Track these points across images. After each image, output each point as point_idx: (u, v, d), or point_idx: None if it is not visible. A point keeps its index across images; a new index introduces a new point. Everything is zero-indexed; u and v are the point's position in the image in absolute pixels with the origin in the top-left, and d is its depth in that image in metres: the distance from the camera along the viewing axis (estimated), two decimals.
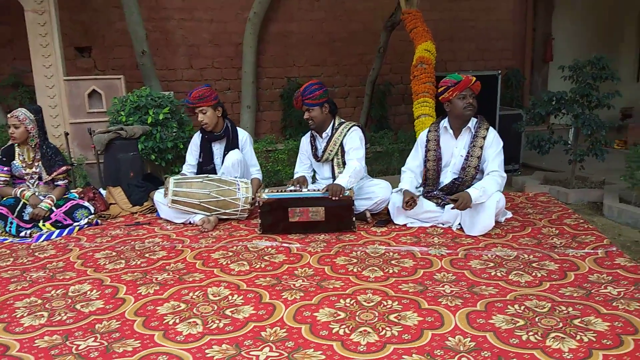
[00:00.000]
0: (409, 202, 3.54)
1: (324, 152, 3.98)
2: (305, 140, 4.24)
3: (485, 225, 3.45)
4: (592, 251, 3.12)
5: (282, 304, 2.58)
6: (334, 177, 3.97)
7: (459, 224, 3.62)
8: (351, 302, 2.56)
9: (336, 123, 4.01)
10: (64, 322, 2.46)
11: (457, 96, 3.64)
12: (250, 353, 2.13)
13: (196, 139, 4.30)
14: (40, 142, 4.09)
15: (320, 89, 3.89)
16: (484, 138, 3.65)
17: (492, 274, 2.86)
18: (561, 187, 4.98)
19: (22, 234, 3.80)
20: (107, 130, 4.82)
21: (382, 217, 3.92)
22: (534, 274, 2.83)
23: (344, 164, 3.92)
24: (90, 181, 5.45)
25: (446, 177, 3.78)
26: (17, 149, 4.11)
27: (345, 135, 3.93)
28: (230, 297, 2.68)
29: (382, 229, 3.70)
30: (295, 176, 4.23)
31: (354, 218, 3.65)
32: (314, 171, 4.28)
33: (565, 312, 2.38)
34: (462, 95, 3.63)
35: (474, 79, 3.67)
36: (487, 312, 2.41)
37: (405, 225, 3.75)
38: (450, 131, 3.77)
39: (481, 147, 3.64)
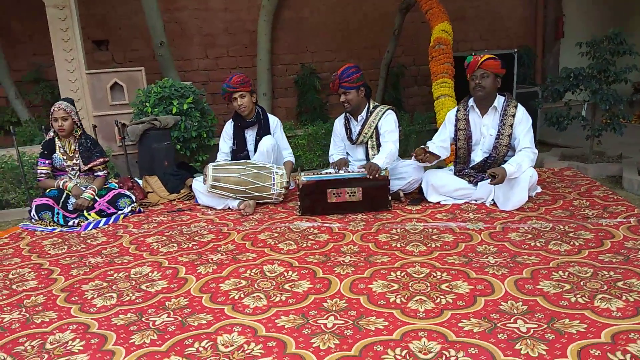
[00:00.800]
0: (423, 151, 3.72)
1: (359, 135, 4.11)
2: (339, 123, 4.34)
3: (519, 200, 3.58)
4: (624, 220, 3.25)
5: (336, 278, 2.72)
6: (367, 159, 4.10)
7: (492, 199, 3.75)
8: (402, 275, 2.70)
9: (371, 106, 4.13)
10: (134, 302, 2.61)
11: (470, 77, 3.79)
12: (318, 322, 2.28)
13: (228, 127, 4.43)
14: (82, 133, 4.24)
15: (357, 72, 4.00)
16: (513, 116, 3.76)
17: (532, 244, 3.00)
18: (580, 162, 5.10)
19: (70, 223, 3.96)
20: (140, 121, 4.95)
21: (415, 197, 4.06)
22: (571, 243, 2.97)
23: (378, 146, 4.05)
24: (119, 172, 5.59)
25: (477, 156, 3.90)
26: (57, 142, 4.25)
27: (380, 118, 4.06)
28: (285, 273, 2.83)
29: (416, 207, 3.84)
30: (331, 159, 4.34)
31: (389, 197, 3.79)
32: (347, 153, 4.39)
33: (607, 276, 2.52)
34: (473, 77, 3.77)
35: (483, 58, 3.73)
36: (534, 279, 2.55)
37: (439, 202, 3.88)
38: (477, 110, 3.88)
39: (511, 125, 3.75)
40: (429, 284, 2.57)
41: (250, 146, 4.38)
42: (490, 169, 3.66)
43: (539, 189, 3.91)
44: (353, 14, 8.06)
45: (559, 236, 3.09)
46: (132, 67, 6.65)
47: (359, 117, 4.14)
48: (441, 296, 2.43)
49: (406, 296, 2.46)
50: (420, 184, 4.01)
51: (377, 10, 8.10)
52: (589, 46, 5.41)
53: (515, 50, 7.23)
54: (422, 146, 3.84)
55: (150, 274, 2.95)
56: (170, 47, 6.98)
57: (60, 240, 3.67)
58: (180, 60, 7.50)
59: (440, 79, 5.15)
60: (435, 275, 2.67)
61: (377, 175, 3.69)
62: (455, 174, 3.92)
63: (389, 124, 4.03)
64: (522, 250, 2.92)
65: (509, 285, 2.50)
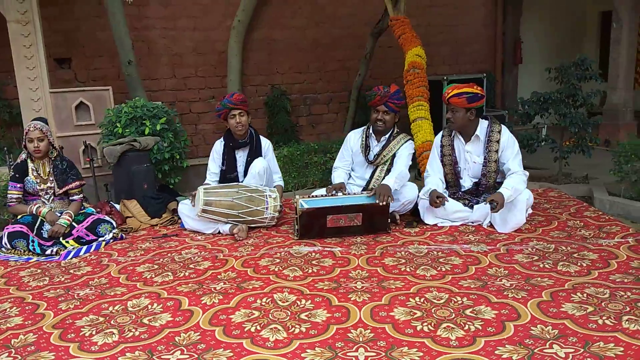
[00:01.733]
0: (439, 199, 3.65)
1: (377, 155, 4.03)
2: (354, 137, 4.21)
3: (517, 222, 3.60)
4: (622, 240, 3.31)
5: (353, 305, 2.62)
6: (371, 180, 4.03)
7: (489, 222, 3.75)
8: (421, 300, 2.63)
9: (394, 131, 4.08)
10: (139, 338, 2.41)
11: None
12: (348, 354, 2.17)
13: (218, 146, 4.27)
14: (57, 155, 3.98)
15: (403, 100, 4.01)
16: (498, 142, 3.76)
17: (541, 265, 3.00)
18: (549, 183, 5.23)
19: (48, 252, 3.67)
20: (118, 142, 4.71)
21: (409, 218, 4.01)
22: (579, 264, 2.99)
23: (388, 171, 3.99)
24: (86, 196, 5.30)
25: (466, 181, 3.90)
26: (30, 165, 3.97)
27: (402, 146, 4.02)
28: (298, 302, 2.69)
29: (415, 229, 3.80)
30: (334, 173, 4.23)
31: (389, 220, 3.73)
32: (352, 169, 4.28)
33: (625, 296, 2.54)
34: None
35: (449, 94, 3.73)
36: (555, 301, 2.53)
37: (436, 225, 3.85)
38: (460, 137, 3.88)
39: (496, 151, 3.75)
40: (452, 310, 2.50)
41: (240, 167, 4.23)
42: (486, 194, 3.67)
43: (530, 210, 3.95)
44: (323, 35, 8.07)
45: (565, 257, 3.11)
46: (98, 87, 6.38)
47: (382, 139, 4.07)
48: (468, 322, 2.37)
49: (432, 324, 2.38)
50: (415, 205, 3.96)
51: (346, 32, 8.15)
52: (557, 71, 5.63)
53: (484, 75, 7.46)
54: (438, 194, 3.73)
55: (150, 306, 2.74)
56: (138, 66, 6.75)
57: (39, 270, 3.39)
58: (147, 79, 7.24)
59: (417, 101, 5.19)
60: (455, 300, 2.61)
61: (388, 201, 3.60)
62: (449, 196, 3.90)
63: (405, 150, 4.02)
64: (533, 272, 2.91)
65: (533, 308, 2.47)
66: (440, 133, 4.02)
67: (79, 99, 5.81)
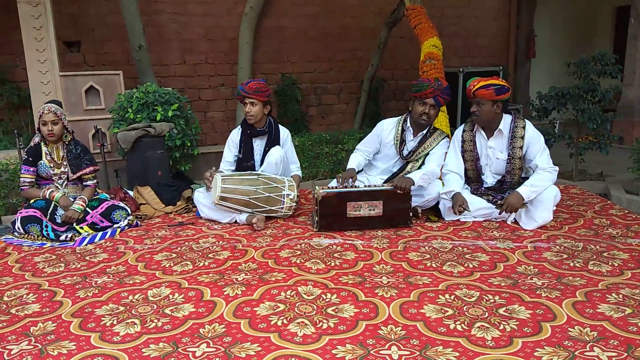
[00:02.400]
0: (461, 208, 3.55)
1: (412, 152, 3.86)
2: (388, 126, 3.97)
3: (543, 219, 3.51)
4: None
5: (380, 301, 2.54)
6: (399, 173, 3.90)
7: (514, 218, 3.66)
8: (452, 298, 2.55)
9: (431, 127, 3.93)
10: (162, 329, 2.33)
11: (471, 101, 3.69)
12: (381, 352, 2.09)
13: (235, 134, 4.17)
14: (71, 139, 3.89)
15: (449, 98, 3.83)
16: (522, 137, 3.63)
17: (571, 264, 2.92)
18: (564, 179, 5.14)
19: (62, 237, 3.59)
20: (133, 127, 4.62)
21: (431, 213, 3.93)
22: (610, 263, 2.91)
23: (418, 168, 3.85)
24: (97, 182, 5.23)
25: (488, 178, 3.80)
26: (44, 148, 3.88)
27: (438, 144, 3.87)
28: (323, 295, 2.62)
29: (437, 224, 3.71)
30: (353, 154, 4.05)
31: (411, 213, 3.64)
32: (370, 162, 4.15)
33: None
34: (471, 102, 3.66)
35: (475, 86, 3.58)
36: (590, 302, 2.46)
37: (458, 219, 3.77)
38: (482, 132, 3.76)
39: (521, 147, 3.62)
40: (484, 309, 2.42)
41: (257, 156, 4.14)
42: (510, 191, 3.59)
43: (554, 207, 3.86)
44: (334, 24, 7.97)
45: (594, 256, 3.03)
46: (107, 71, 6.28)
47: (419, 134, 3.90)
48: (503, 322, 2.29)
49: (466, 322, 2.30)
50: (437, 202, 3.87)
51: (358, 22, 8.04)
52: (577, 66, 5.53)
53: (501, 67, 7.34)
54: (460, 203, 3.59)
55: (171, 296, 2.66)
56: (148, 51, 6.65)
57: (53, 256, 3.31)
58: (157, 65, 7.14)
59: None
60: (487, 298, 2.53)
61: (406, 191, 3.51)
62: (472, 192, 3.81)
63: (441, 149, 3.87)
64: (564, 271, 2.83)
65: (568, 309, 2.39)
66: (461, 127, 3.87)
67: (89, 82, 5.72)
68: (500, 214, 3.57)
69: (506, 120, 3.69)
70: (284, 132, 4.21)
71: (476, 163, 3.78)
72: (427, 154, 3.88)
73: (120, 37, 6.58)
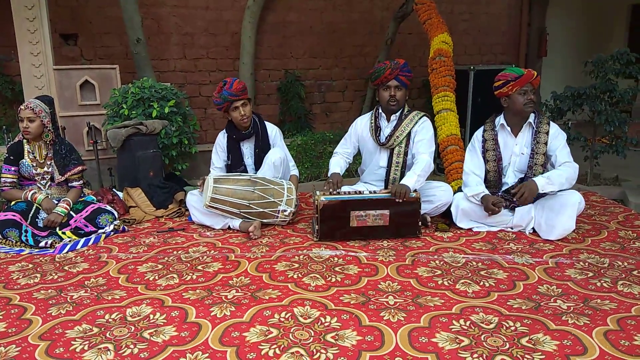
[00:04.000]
0: (497, 203, 3.33)
1: (390, 137, 3.62)
2: (361, 121, 3.84)
3: (565, 228, 3.22)
4: None
5: (386, 326, 2.25)
6: (389, 167, 3.65)
7: (532, 227, 3.37)
8: (467, 324, 2.26)
9: (405, 110, 3.68)
10: (138, 357, 2.05)
11: (518, 91, 3.40)
12: None
13: (221, 139, 3.88)
14: (54, 138, 3.61)
15: (412, 74, 3.63)
16: (547, 133, 3.44)
17: (598, 284, 2.62)
18: (579, 184, 4.85)
19: (42, 243, 3.32)
20: (123, 124, 4.34)
21: (440, 220, 3.64)
22: None
23: (405, 154, 3.60)
24: (89, 180, 4.97)
25: (509, 178, 3.54)
26: (26, 146, 3.62)
27: (416, 123, 3.60)
28: (322, 318, 2.33)
29: (447, 234, 3.42)
30: (332, 158, 3.87)
31: (419, 223, 3.35)
32: (349, 162, 3.95)
33: None
34: (522, 91, 3.40)
35: (535, 73, 3.44)
36: (625, 330, 2.16)
37: (470, 229, 3.48)
38: (508, 128, 3.54)
39: (545, 143, 3.43)
40: (504, 338, 2.13)
41: (248, 160, 3.85)
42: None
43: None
44: (340, 19, 7.67)
45: (623, 275, 2.73)
46: (105, 65, 6.02)
47: (392, 117, 3.67)
48: (527, 356, 2.00)
49: (484, 355, 2.01)
50: (448, 207, 3.59)
51: (364, 16, 7.74)
52: (594, 65, 5.25)
53: (514, 65, 7.02)
54: (495, 200, 3.39)
55: (152, 316, 2.39)
56: (147, 45, 6.38)
57: (30, 265, 3.04)
58: (156, 59, 6.86)
59: (442, 92, 4.81)
60: (507, 325, 2.24)
61: (405, 199, 3.24)
62: None
63: (426, 131, 3.59)
64: (591, 292, 2.53)
65: (600, 339, 2.10)
66: (482, 127, 3.65)
67: (84, 77, 5.50)
68: (515, 200, 3.32)
69: (532, 115, 3.53)
70: (272, 130, 3.92)
71: (498, 163, 3.53)
72: (408, 134, 3.61)
73: (119, 30, 6.32)
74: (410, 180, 3.32)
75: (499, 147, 3.53)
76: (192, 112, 5.82)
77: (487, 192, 3.44)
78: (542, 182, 3.27)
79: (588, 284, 2.64)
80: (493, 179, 3.55)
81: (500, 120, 3.57)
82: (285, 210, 3.52)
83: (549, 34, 9.01)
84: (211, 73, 7.32)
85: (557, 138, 3.44)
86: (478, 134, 3.66)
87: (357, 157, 4.07)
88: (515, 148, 3.51)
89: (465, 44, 8.55)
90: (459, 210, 3.48)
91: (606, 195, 4.40)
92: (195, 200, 3.67)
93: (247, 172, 3.84)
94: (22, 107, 3.48)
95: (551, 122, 3.50)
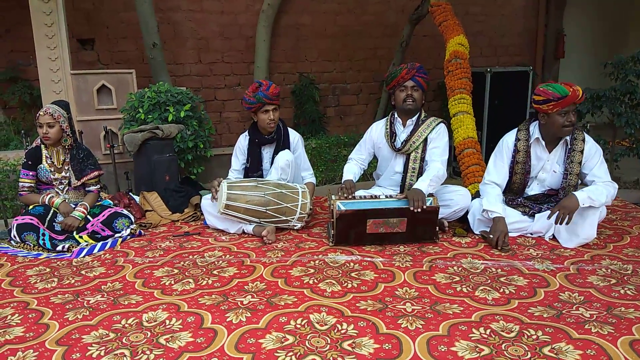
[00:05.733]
0: (505, 246, 3.16)
1: (405, 142, 3.56)
2: (377, 127, 3.78)
3: (586, 237, 3.14)
4: None
5: (404, 335, 2.21)
6: (405, 173, 3.60)
7: (552, 234, 3.31)
8: (487, 332, 2.21)
9: (422, 115, 3.63)
10: None
11: (559, 112, 3.15)
12: None
13: (243, 142, 3.88)
14: (72, 142, 3.64)
15: (429, 76, 3.58)
16: (582, 152, 3.25)
17: (621, 292, 2.56)
18: None
19: (59, 247, 3.34)
20: (140, 129, 4.36)
21: (457, 225, 3.59)
22: None
23: (422, 159, 3.55)
24: (106, 185, 5.00)
25: (533, 190, 3.44)
26: (44, 151, 3.64)
27: (433, 129, 3.54)
28: (338, 325, 2.30)
29: (465, 240, 3.38)
30: (346, 164, 3.84)
31: (437, 228, 3.31)
32: (363, 168, 3.92)
33: None
34: (564, 112, 3.13)
35: (581, 92, 3.13)
36: None
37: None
38: (543, 143, 3.35)
39: (580, 162, 3.25)
40: (526, 347, 2.08)
41: (266, 164, 3.84)
42: (550, 204, 3.23)
43: None
44: (353, 22, 7.65)
45: None
46: (122, 69, 6.07)
47: (409, 122, 3.61)
48: None
49: None
50: (466, 212, 3.54)
51: (380, 19, 7.71)
52: (614, 66, 5.16)
53: (531, 68, 6.94)
54: (502, 239, 3.21)
55: (167, 321, 2.38)
56: (162, 49, 6.42)
57: (48, 269, 3.06)
58: (172, 64, 6.91)
59: (458, 94, 4.76)
60: (528, 334, 2.19)
61: (424, 208, 3.16)
62: (506, 203, 3.46)
63: (442, 139, 3.53)
64: (614, 300, 2.47)
65: (625, 348, 2.04)
66: (514, 136, 3.42)
67: (101, 81, 5.55)
68: (548, 218, 3.18)
69: None
70: (294, 136, 3.91)
71: (526, 176, 3.40)
72: (425, 140, 3.55)
73: (135, 34, 6.38)
74: (423, 184, 3.26)
75: (529, 161, 3.37)
76: (207, 116, 5.84)
77: (502, 214, 3.28)
78: (583, 197, 3.07)
79: (611, 291, 2.57)
80: (517, 189, 3.46)
81: (535, 131, 3.36)
82: (301, 213, 3.50)
83: (566, 35, 8.89)
84: (226, 77, 7.35)
85: (592, 157, 3.25)
86: (509, 140, 3.44)
87: (373, 160, 4.04)
88: (547, 165, 3.36)
89: (480, 46, 8.48)
90: (476, 219, 3.42)
91: (626, 199, 4.31)
92: (209, 204, 3.67)
93: (263, 176, 3.83)
94: (40, 112, 3.50)
95: (586, 137, 3.29)
